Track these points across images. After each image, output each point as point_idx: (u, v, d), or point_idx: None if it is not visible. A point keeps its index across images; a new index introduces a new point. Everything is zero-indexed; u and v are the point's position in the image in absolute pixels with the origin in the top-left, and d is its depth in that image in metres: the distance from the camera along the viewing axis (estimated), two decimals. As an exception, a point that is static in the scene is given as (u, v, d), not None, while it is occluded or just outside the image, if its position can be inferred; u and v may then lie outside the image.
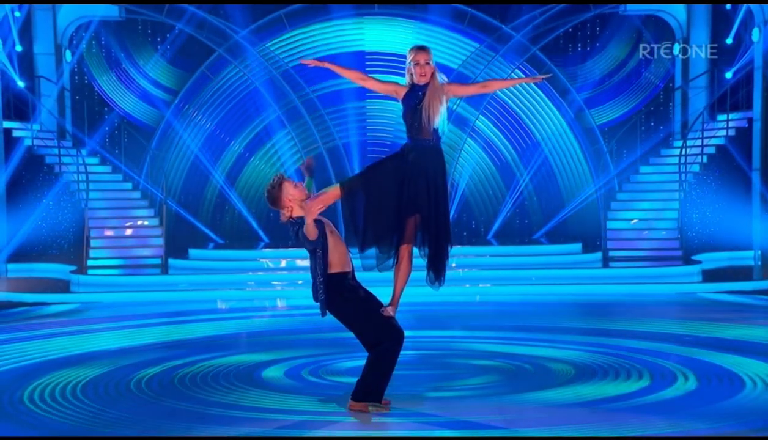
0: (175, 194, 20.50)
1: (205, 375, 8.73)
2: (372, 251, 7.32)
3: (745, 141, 19.01)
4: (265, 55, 20.34)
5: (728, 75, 19.76)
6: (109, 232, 18.59)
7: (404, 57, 7.54)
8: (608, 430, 6.68)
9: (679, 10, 20.32)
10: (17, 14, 19.11)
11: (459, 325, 11.86)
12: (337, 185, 7.40)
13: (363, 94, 20.51)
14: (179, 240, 19.17)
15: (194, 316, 13.11)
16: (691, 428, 6.73)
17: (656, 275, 16.55)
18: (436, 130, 7.28)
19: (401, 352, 7.26)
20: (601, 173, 19.75)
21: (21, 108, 19.16)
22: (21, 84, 19.09)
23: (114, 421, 7.14)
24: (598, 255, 17.95)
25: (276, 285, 15.81)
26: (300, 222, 7.14)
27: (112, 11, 19.84)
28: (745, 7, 18.96)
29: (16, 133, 18.82)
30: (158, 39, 20.75)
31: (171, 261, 17.56)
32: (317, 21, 20.54)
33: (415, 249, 7.38)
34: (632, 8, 20.18)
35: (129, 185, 19.83)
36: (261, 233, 20.52)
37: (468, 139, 20.81)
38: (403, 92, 7.38)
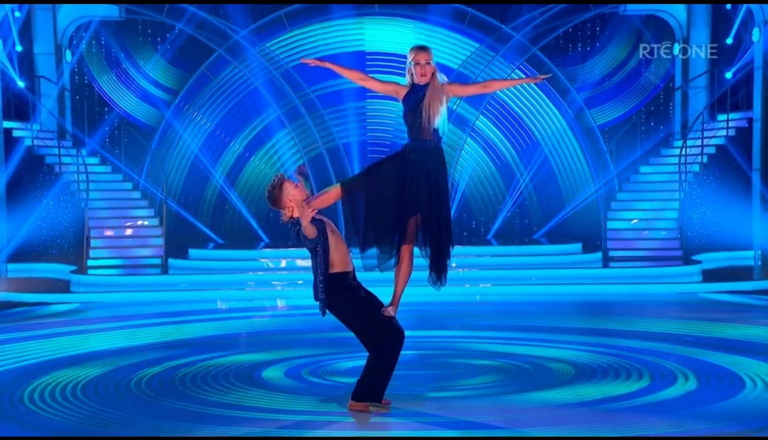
0: (175, 194, 20.51)
1: (205, 375, 8.72)
2: (373, 251, 7.31)
3: (745, 141, 19.00)
4: (265, 55, 20.33)
5: (728, 75, 19.75)
6: (109, 232, 18.59)
7: (404, 57, 7.54)
8: (608, 430, 6.68)
9: (679, 10, 20.32)
10: (17, 14, 19.11)
11: (459, 325, 11.85)
12: (338, 185, 7.40)
13: (363, 94, 20.51)
14: (179, 240, 19.16)
15: (194, 316, 13.10)
16: (691, 428, 6.72)
17: (656, 275, 16.54)
18: (436, 130, 7.28)
19: (401, 352, 7.27)
20: (601, 173, 19.74)
21: (21, 108, 19.16)
22: (21, 84, 19.08)
23: (114, 421, 7.14)
24: (598, 255, 17.95)
25: (276, 285, 15.80)
26: (300, 222, 7.14)
27: (112, 11, 19.84)
28: (745, 7, 18.95)
29: (16, 133, 18.82)
30: (158, 39, 20.75)
31: (171, 261, 17.57)
32: (317, 21, 20.54)
33: (416, 250, 7.39)
34: (632, 8, 20.18)
35: (129, 185, 19.83)
36: (261, 233, 20.52)
37: (468, 139, 20.82)
38: (403, 92, 7.37)
